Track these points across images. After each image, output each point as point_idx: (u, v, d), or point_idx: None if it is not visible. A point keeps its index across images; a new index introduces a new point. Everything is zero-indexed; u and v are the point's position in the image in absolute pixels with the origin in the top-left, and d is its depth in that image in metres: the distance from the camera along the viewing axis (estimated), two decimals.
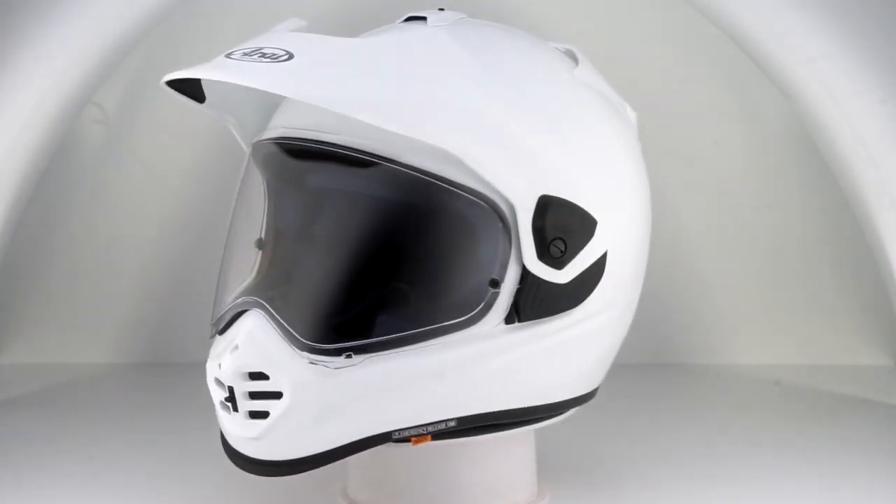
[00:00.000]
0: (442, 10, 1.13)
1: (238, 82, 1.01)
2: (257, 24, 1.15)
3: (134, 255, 1.88)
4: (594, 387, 1.16)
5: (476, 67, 1.05)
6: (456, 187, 1.04)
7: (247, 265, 1.16)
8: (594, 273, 1.08)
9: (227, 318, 1.10)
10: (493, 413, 1.08)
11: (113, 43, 1.59)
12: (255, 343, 1.06)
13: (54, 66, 1.56)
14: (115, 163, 1.87)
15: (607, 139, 1.11)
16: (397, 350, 1.05)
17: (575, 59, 1.15)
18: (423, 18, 1.12)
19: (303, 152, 1.08)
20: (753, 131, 1.86)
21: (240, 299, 1.10)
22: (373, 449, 1.14)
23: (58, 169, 1.80)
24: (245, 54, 1.03)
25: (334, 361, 1.05)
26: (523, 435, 1.16)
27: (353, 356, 1.05)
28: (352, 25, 1.19)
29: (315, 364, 1.05)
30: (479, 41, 1.10)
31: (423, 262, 1.08)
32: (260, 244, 1.17)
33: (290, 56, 1.02)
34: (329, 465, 1.28)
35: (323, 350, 1.05)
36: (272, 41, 1.05)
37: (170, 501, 1.25)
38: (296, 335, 1.06)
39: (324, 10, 1.75)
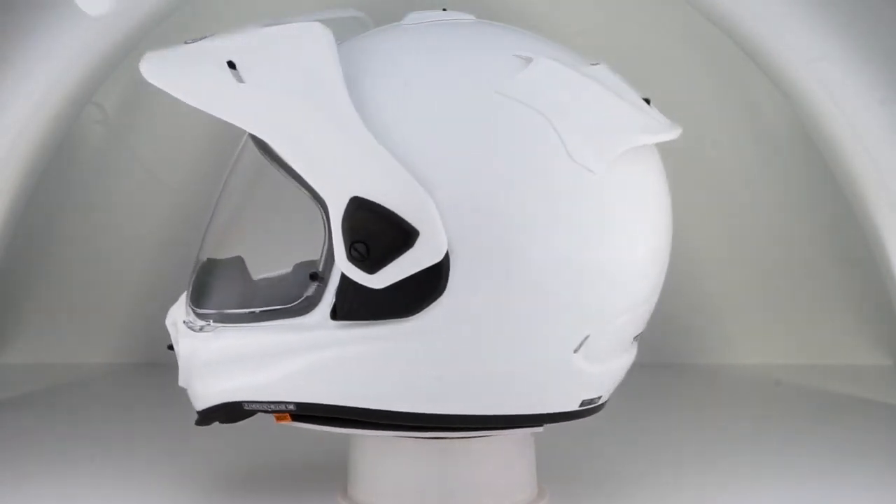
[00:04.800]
0: (444, 10, 1.13)
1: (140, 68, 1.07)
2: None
3: (134, 254, 1.88)
4: (505, 412, 1.08)
5: (328, 68, 1.02)
6: (293, 177, 1.04)
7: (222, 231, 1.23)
8: (427, 285, 1.02)
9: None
10: (336, 407, 1.07)
11: (113, 43, 1.59)
12: (183, 300, 1.20)
13: (54, 66, 1.56)
14: (115, 163, 1.87)
15: (482, 156, 1.01)
16: (243, 325, 1.10)
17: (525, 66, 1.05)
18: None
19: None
20: (753, 131, 1.86)
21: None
22: (372, 447, 1.15)
23: (58, 169, 1.79)
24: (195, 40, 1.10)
25: (197, 324, 1.14)
26: (523, 435, 1.15)
27: (210, 323, 1.13)
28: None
29: (187, 325, 1.15)
30: (389, 44, 1.08)
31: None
32: None
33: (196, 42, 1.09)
34: (329, 465, 1.29)
35: (194, 313, 1.15)
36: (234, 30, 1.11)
37: (170, 501, 1.25)
38: (189, 296, 1.18)
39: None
